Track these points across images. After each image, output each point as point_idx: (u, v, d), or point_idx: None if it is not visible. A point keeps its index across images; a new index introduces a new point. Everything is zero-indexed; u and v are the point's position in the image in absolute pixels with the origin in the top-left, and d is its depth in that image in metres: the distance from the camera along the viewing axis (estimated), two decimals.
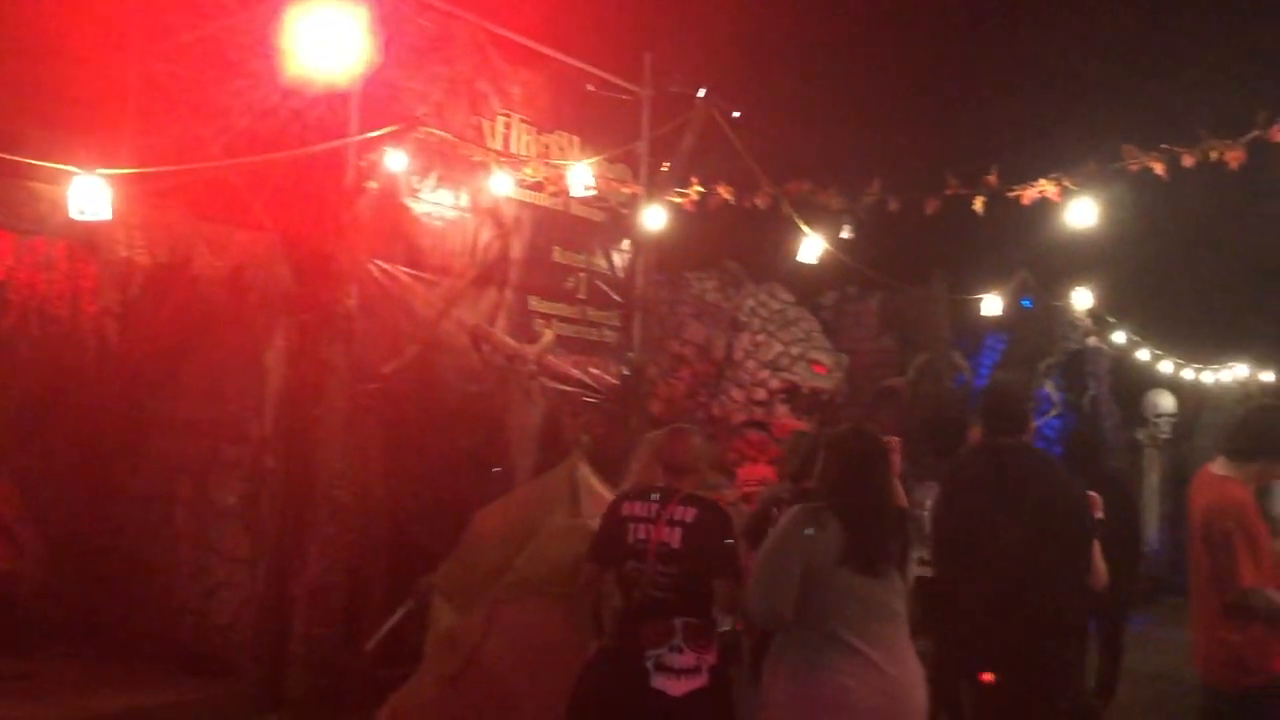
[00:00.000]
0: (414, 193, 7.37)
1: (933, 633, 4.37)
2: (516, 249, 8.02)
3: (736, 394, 11.34)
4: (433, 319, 7.07)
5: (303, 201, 7.03)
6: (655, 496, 4.18)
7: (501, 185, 7.17)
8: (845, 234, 6.75)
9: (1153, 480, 15.61)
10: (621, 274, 8.98)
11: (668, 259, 10.92)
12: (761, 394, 11.29)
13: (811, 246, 9.27)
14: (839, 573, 3.49)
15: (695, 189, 6.60)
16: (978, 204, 5.36)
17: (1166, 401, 16.01)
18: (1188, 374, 17.16)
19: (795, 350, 11.35)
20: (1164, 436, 16.01)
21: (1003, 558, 4.03)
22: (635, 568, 4.09)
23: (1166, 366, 16.56)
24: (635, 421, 8.88)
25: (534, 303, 8.16)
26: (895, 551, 3.56)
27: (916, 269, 12.98)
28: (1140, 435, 15.83)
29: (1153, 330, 16.05)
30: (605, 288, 8.79)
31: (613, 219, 8.83)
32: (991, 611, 4.03)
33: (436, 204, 7.50)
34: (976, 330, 14.70)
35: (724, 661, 4.15)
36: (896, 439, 3.98)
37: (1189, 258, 15.93)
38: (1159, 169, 4.88)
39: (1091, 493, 4.33)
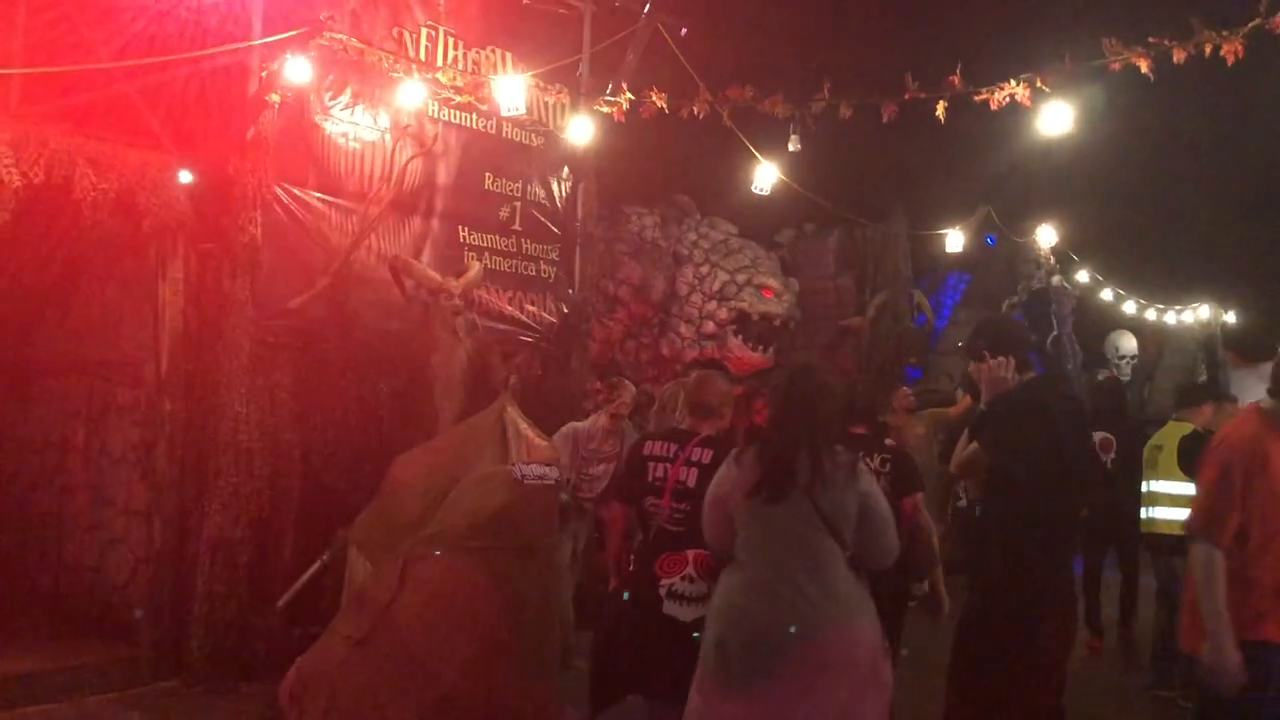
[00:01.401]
0: (326, 110, 6.72)
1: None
2: (443, 174, 7.39)
3: (685, 330, 10.81)
4: (347, 249, 6.45)
5: (202, 117, 6.38)
6: (676, 437, 4.38)
7: (417, 97, 6.51)
8: (793, 146, 6.18)
9: None
10: (561, 205, 8.36)
11: (612, 191, 10.35)
12: (710, 327, 10.78)
13: (765, 175, 8.73)
14: (748, 504, 3.57)
15: (626, 96, 5.96)
16: (940, 110, 4.79)
17: (1128, 343, 15.75)
18: (1150, 315, 16.85)
19: (741, 278, 10.84)
20: (1125, 378, 15.72)
21: (1047, 490, 3.98)
22: (653, 504, 4.29)
23: (1129, 307, 16.23)
24: (575, 363, 8.35)
25: (463, 234, 7.55)
26: (805, 482, 3.51)
27: (876, 205, 12.46)
28: (1101, 376, 15.47)
29: (1116, 270, 15.68)
30: (543, 219, 8.18)
31: (550, 144, 8.20)
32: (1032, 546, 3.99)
33: (353, 123, 6.85)
34: (938, 269, 14.27)
35: None
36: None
37: (1155, 193, 15.51)
38: (1144, 66, 4.34)
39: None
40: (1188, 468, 6.38)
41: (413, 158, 6.67)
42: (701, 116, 5.85)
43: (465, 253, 7.48)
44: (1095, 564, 7.92)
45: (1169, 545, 6.52)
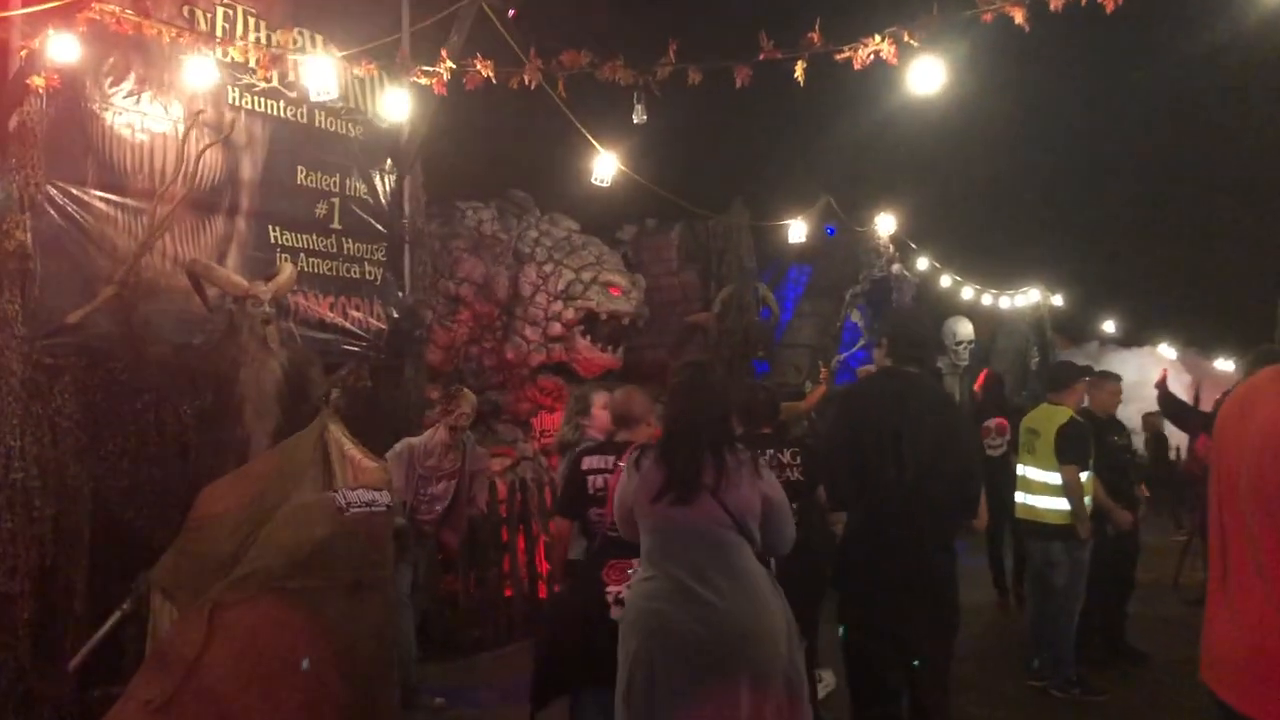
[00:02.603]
0: (108, 99, 5.91)
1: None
2: (248, 168, 6.65)
3: (530, 333, 10.21)
4: (134, 254, 5.66)
5: None
6: (612, 449, 4.47)
7: (207, 77, 5.76)
8: (637, 118, 5.71)
9: None
10: (386, 200, 7.69)
11: (443, 186, 9.72)
12: (557, 328, 10.18)
13: (604, 165, 8.27)
14: (655, 507, 3.59)
15: (446, 65, 5.36)
16: (799, 71, 4.40)
17: (965, 328, 15.92)
18: (986, 300, 17.16)
19: (587, 275, 10.28)
20: (963, 363, 15.92)
21: (898, 491, 4.05)
22: (598, 514, 4.35)
23: (967, 293, 16.47)
24: (411, 371, 7.70)
25: (275, 234, 6.81)
26: (710, 482, 3.55)
27: (716, 198, 12.17)
28: (940, 363, 15.63)
29: (953, 256, 15.88)
30: (366, 216, 7.50)
31: (370, 134, 7.53)
32: (883, 544, 4.10)
33: (139, 112, 6.06)
34: (780, 261, 14.11)
35: None
36: None
37: (988, 177, 15.78)
38: (1019, 16, 4.03)
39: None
40: (1067, 456, 6.20)
41: (206, 148, 5.91)
42: (533, 87, 5.29)
43: (278, 255, 6.75)
44: (993, 535, 8.83)
45: (1046, 532, 6.33)
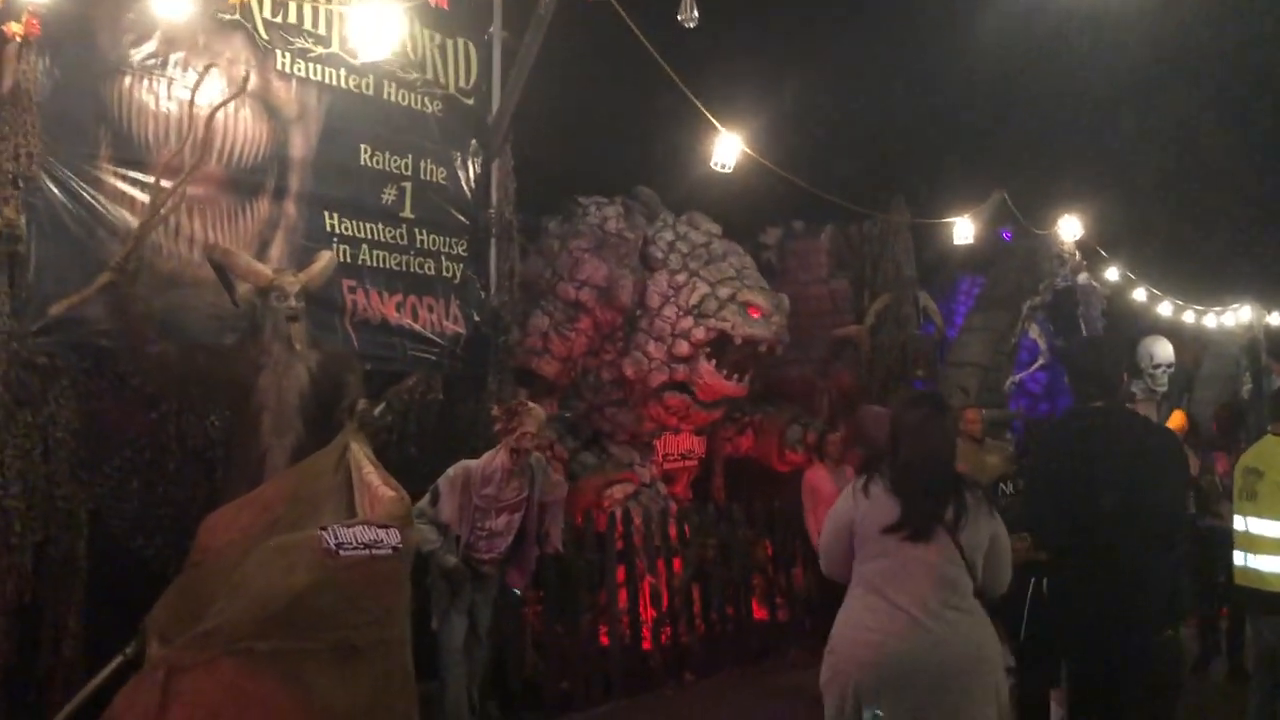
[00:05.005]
0: (126, 59, 5.11)
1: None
2: (299, 144, 5.77)
3: (654, 349, 9.00)
4: (136, 236, 4.80)
5: None
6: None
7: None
8: (685, 15, 4.49)
9: None
10: (470, 188, 6.72)
11: (556, 181, 8.74)
12: (684, 347, 8.92)
13: (727, 147, 7.15)
14: (884, 539, 3.59)
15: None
16: None
17: (1164, 350, 14.01)
18: (1188, 317, 15.09)
19: (724, 291, 8.96)
20: (1161, 389, 13.97)
21: (1101, 527, 3.94)
22: None
23: (1165, 308, 14.48)
24: (494, 384, 6.69)
25: (331, 221, 5.91)
26: (944, 517, 3.57)
27: (870, 198, 10.75)
28: (1135, 388, 13.70)
29: (1149, 266, 13.93)
30: (444, 204, 6.55)
31: (452, 111, 6.58)
32: (1092, 587, 3.96)
33: (167, 77, 5.25)
34: (946, 267, 12.58)
35: None
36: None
37: (1190, 177, 13.76)
38: None
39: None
40: None
41: (217, 107, 5.01)
42: None
43: (336, 245, 5.85)
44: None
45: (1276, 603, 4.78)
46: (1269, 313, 17.17)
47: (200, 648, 3.60)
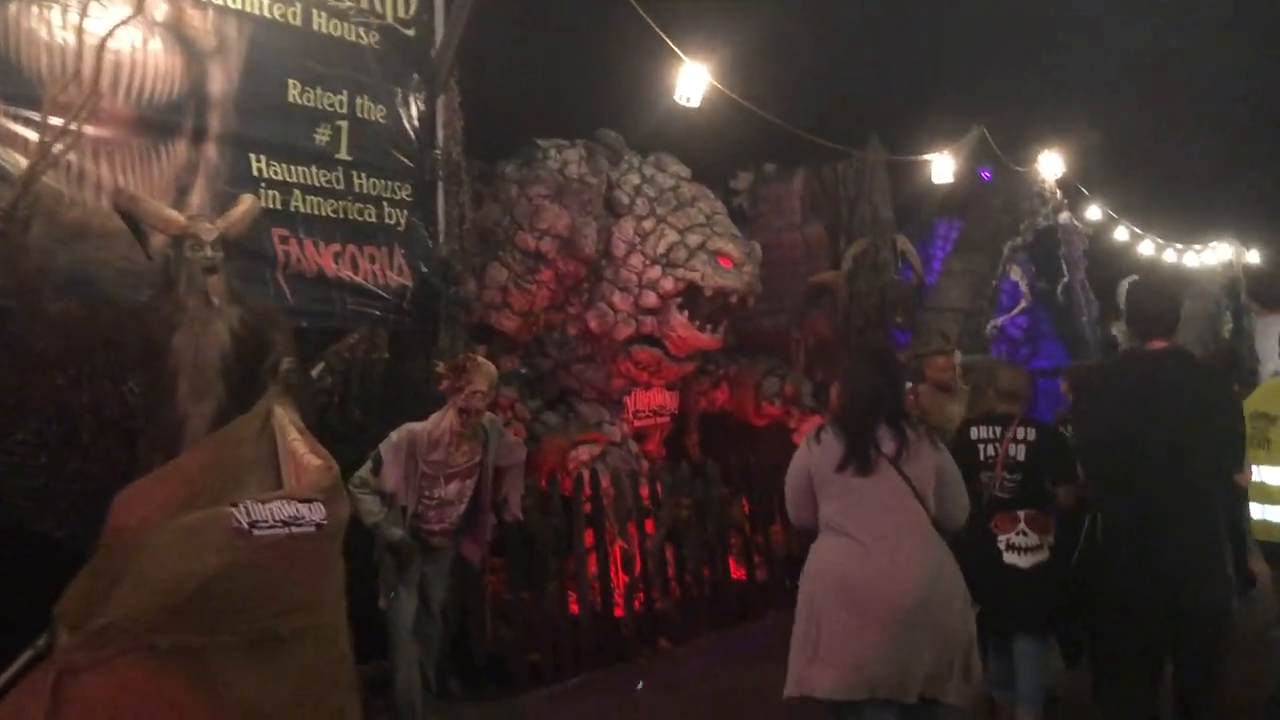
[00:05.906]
0: None
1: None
2: (219, 80, 5.23)
3: (620, 300, 8.54)
4: (24, 179, 4.28)
5: None
6: (996, 421, 4.87)
7: None
8: None
9: None
10: (414, 127, 6.19)
11: (512, 121, 8.20)
12: (652, 299, 8.45)
13: (691, 79, 6.65)
14: (836, 478, 3.79)
15: None
16: None
17: None
18: (1169, 255, 14.75)
19: (693, 239, 8.48)
20: None
21: (1152, 471, 3.87)
22: (987, 477, 4.74)
23: (1146, 247, 14.12)
24: (445, 340, 6.20)
25: (259, 165, 5.38)
26: (887, 450, 3.77)
27: (845, 136, 10.25)
28: (1116, 331, 13.34)
29: (1131, 204, 13.53)
30: (385, 145, 6.02)
31: (390, 43, 6.04)
32: (1143, 530, 3.91)
33: (59, 3, 4.69)
34: (923, 212, 12.12)
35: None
36: None
37: (1170, 108, 13.31)
38: None
39: None
40: None
41: (109, 34, 4.47)
42: None
43: (263, 191, 5.33)
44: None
45: None
46: (1247, 249, 16.88)
47: (95, 645, 3.15)
